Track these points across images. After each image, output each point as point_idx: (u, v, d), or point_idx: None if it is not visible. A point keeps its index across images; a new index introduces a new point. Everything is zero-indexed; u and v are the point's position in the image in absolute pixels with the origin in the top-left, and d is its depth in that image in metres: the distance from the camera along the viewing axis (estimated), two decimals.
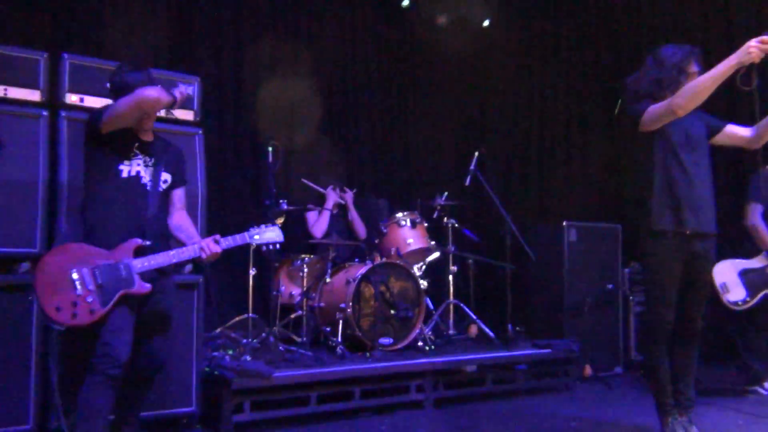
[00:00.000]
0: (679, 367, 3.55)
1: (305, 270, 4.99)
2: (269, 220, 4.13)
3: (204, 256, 3.04)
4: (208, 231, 3.70)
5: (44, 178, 3.36)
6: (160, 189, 3.11)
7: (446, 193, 5.68)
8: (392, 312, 4.89)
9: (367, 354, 4.58)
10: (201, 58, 5.95)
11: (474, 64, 7.68)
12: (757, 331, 4.72)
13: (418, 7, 7.10)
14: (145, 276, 2.95)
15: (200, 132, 3.91)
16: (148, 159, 3.09)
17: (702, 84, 3.10)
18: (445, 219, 5.66)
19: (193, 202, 3.74)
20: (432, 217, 5.66)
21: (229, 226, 5.19)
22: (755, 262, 4.70)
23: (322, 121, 6.78)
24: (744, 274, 4.66)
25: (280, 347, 4.50)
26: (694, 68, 3.31)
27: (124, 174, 3.01)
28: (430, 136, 7.41)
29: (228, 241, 3.15)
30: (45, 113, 3.40)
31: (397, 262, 5.09)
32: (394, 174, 7.14)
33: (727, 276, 4.65)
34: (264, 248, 3.33)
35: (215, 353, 4.27)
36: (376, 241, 5.46)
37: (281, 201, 4.79)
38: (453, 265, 5.64)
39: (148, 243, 2.99)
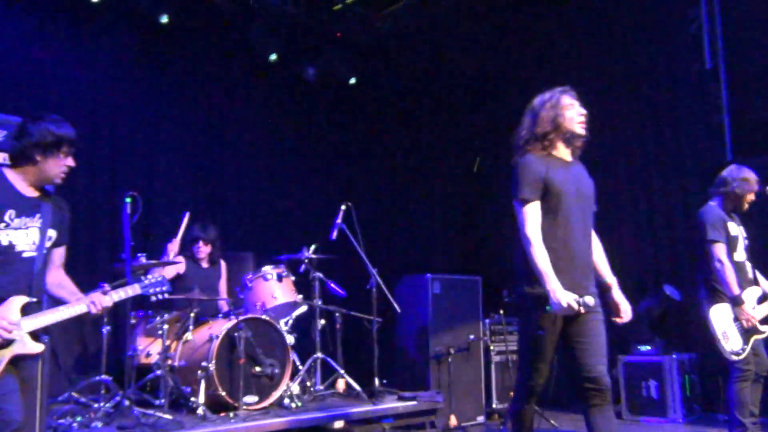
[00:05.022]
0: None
1: (164, 327, 4.73)
2: (125, 275, 3.92)
3: (93, 311, 2.90)
4: None
5: None
6: (45, 249, 2.91)
7: (313, 247, 5.66)
8: (257, 369, 4.74)
9: (231, 414, 4.40)
10: (52, 102, 5.63)
11: (340, 120, 7.83)
12: (741, 382, 4.17)
13: (285, 61, 7.17)
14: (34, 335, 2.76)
15: None
16: (30, 219, 2.88)
17: (532, 262, 3.01)
18: (312, 273, 5.63)
19: None
20: (299, 271, 5.61)
21: (80, 281, 4.88)
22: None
23: (185, 171, 6.59)
24: (737, 320, 4.22)
25: (135, 411, 4.21)
26: (568, 100, 3.22)
27: None
28: (296, 189, 7.41)
29: (119, 294, 3.03)
30: None
31: (263, 317, 4.97)
32: (261, 228, 7.04)
33: (726, 322, 4.22)
34: (153, 299, 3.25)
35: (61, 421, 3.94)
36: (241, 296, 5.32)
37: (138, 255, 4.56)
38: (320, 318, 5.59)
39: (34, 300, 2.81)
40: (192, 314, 4.91)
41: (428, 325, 5.74)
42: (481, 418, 5.90)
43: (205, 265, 5.61)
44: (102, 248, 5.80)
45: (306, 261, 5.61)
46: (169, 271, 5.38)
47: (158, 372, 4.65)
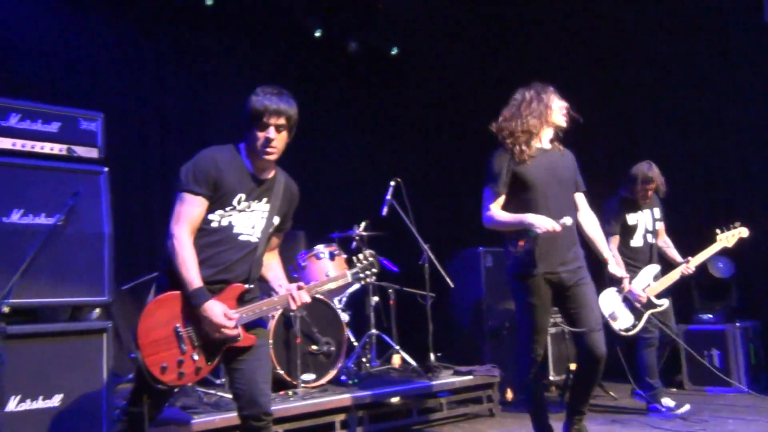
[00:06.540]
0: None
1: None
2: None
3: (294, 307, 2.78)
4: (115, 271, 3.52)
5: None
6: (269, 234, 2.89)
7: (364, 224, 5.65)
8: (314, 347, 4.79)
9: (290, 393, 4.47)
10: (105, 92, 5.74)
11: (386, 93, 7.76)
12: (646, 348, 4.87)
13: (328, 35, 7.13)
14: (248, 326, 2.74)
15: (105, 170, 3.72)
16: (257, 203, 2.86)
17: (502, 224, 3.52)
18: (364, 249, 5.62)
19: (98, 242, 3.54)
20: (350, 248, 5.62)
21: (138, 266, 5.00)
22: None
23: None
24: (626, 300, 4.83)
25: (198, 391, 4.31)
26: (553, 96, 3.67)
27: (215, 224, 2.76)
28: (345, 166, 7.40)
29: (318, 287, 2.90)
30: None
31: (317, 295, 4.99)
32: (312, 205, 7.05)
33: (614, 304, 4.83)
34: (362, 284, 3.20)
35: (126, 402, 4.03)
36: (295, 275, 5.36)
37: None
38: (373, 296, 5.60)
39: (251, 286, 2.79)
40: None
41: (482, 299, 5.70)
42: None
43: None
44: (158, 233, 5.92)
45: (357, 238, 5.62)
46: None
47: None
